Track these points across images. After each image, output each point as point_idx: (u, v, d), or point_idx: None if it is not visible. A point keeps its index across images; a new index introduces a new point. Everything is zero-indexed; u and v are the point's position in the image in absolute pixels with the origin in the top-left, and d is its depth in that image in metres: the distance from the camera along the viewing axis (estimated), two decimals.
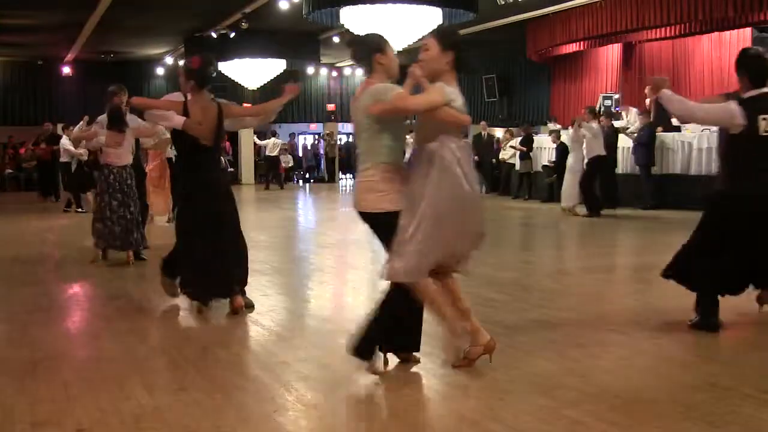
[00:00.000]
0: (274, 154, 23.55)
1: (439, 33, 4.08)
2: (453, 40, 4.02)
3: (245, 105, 6.27)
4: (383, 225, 3.94)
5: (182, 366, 4.39)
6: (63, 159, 15.50)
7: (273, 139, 23.79)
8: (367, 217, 4.01)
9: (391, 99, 3.87)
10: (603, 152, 13.14)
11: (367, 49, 4.06)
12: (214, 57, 5.76)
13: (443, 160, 3.84)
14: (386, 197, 3.91)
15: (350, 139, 29.32)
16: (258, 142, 24.84)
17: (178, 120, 5.49)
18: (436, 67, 3.95)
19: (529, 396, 3.65)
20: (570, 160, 13.36)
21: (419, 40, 4.31)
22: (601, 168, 13.24)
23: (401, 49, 14.20)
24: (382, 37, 4.12)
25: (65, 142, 15.17)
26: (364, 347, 4.02)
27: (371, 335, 4.02)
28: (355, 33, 4.38)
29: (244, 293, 5.72)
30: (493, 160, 18.96)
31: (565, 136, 14.67)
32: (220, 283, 5.56)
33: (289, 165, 25.82)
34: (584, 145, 13.02)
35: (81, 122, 11.32)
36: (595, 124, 13.09)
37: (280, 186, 23.48)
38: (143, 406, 3.63)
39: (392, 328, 4.07)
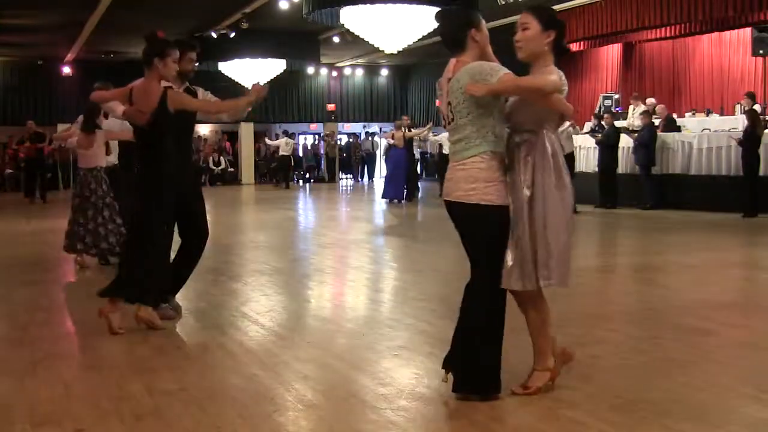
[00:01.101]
0: (287, 153, 23.58)
1: (538, 10, 3.63)
2: (554, 19, 3.62)
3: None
4: (489, 221, 3.54)
5: (182, 366, 4.39)
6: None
7: (285, 138, 23.84)
8: (469, 209, 3.55)
9: (528, 78, 3.54)
10: (572, 149, 13.84)
11: (461, 24, 3.63)
12: (168, 39, 5.22)
13: (549, 152, 3.54)
14: (492, 188, 3.52)
15: (350, 140, 29.33)
16: (270, 142, 24.89)
17: (119, 110, 5.19)
18: (536, 49, 3.57)
19: (529, 396, 3.65)
20: None
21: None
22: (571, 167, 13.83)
23: (401, 49, 14.23)
24: (476, 12, 3.74)
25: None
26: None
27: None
28: (443, 9, 3.89)
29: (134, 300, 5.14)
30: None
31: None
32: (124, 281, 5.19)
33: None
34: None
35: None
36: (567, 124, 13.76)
37: (286, 185, 23.50)
38: (143, 406, 3.63)
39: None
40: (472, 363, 3.62)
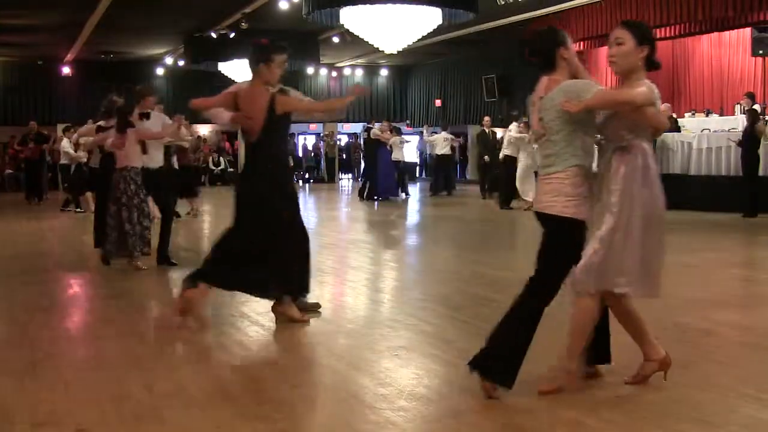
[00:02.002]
0: None
1: (633, 25, 3.70)
2: (649, 34, 3.66)
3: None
4: (563, 233, 3.66)
5: (182, 366, 4.39)
6: (62, 161, 15.54)
7: None
8: (549, 220, 3.69)
9: (620, 93, 3.63)
10: None
11: (551, 43, 3.73)
12: (278, 43, 5.37)
13: (640, 164, 3.62)
14: (572, 203, 3.63)
15: (350, 140, 29.30)
16: None
17: (225, 117, 5.32)
18: (630, 64, 3.62)
19: (529, 396, 3.65)
20: (526, 159, 14.25)
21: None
22: None
23: (401, 49, 14.23)
24: (563, 31, 3.85)
25: (65, 144, 15.18)
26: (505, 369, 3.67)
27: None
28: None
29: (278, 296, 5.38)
30: (486, 158, 18.39)
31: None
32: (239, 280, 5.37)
33: (290, 165, 25.90)
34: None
35: (86, 125, 11.16)
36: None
37: None
38: (143, 406, 3.63)
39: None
40: (496, 349, 3.65)
